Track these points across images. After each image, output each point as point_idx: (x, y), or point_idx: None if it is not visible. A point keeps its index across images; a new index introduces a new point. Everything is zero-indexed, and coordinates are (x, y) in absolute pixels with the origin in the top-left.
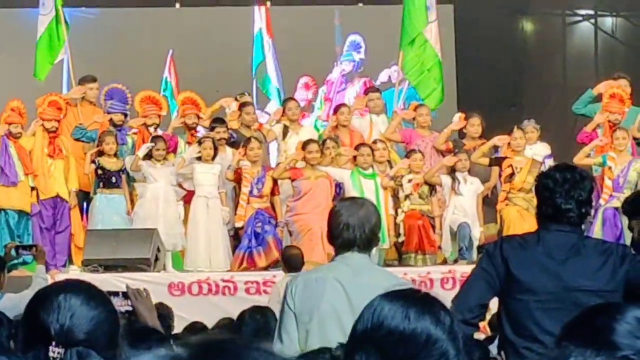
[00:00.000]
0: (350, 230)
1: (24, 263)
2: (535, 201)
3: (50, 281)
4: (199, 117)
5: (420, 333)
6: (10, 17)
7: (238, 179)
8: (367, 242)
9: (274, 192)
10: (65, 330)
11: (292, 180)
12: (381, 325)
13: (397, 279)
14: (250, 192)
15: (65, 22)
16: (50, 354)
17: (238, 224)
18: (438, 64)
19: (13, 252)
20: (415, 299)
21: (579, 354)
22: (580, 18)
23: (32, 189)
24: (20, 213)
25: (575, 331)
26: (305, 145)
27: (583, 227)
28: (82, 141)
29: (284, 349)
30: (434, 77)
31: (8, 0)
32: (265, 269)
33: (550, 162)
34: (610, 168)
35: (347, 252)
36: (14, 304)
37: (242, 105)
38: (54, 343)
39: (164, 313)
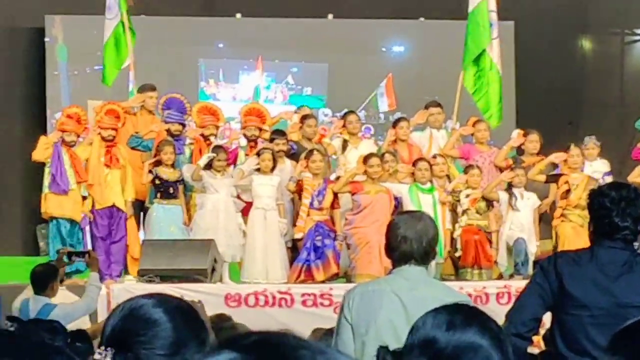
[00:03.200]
0: (407, 243)
1: (78, 271)
2: None
3: (104, 290)
4: (260, 130)
5: (466, 343)
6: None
7: (299, 190)
8: (424, 255)
9: (334, 205)
10: (116, 332)
11: (352, 194)
12: (428, 338)
13: (454, 293)
14: (311, 204)
15: (130, 28)
16: (96, 356)
17: (297, 236)
18: (499, 82)
19: (65, 258)
20: (459, 311)
21: None
22: (639, 37)
23: (84, 198)
24: (73, 222)
25: (627, 345)
26: (366, 159)
27: (636, 244)
28: (138, 150)
29: None
30: (495, 95)
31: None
32: (323, 282)
33: (608, 179)
34: None
35: (404, 265)
36: (66, 312)
37: (303, 118)
38: (103, 346)
39: (226, 324)
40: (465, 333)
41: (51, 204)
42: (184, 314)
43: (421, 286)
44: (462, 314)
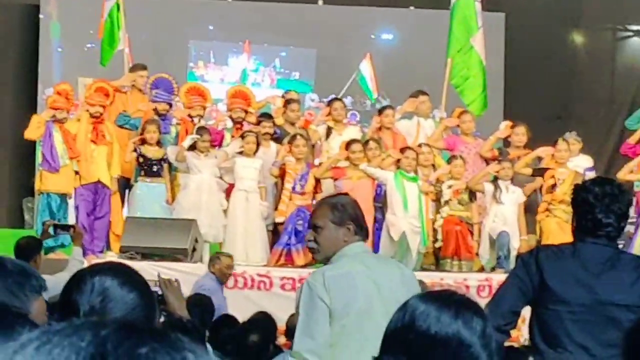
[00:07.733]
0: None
1: (62, 246)
2: None
3: (86, 265)
4: (246, 112)
5: (452, 337)
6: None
7: (281, 174)
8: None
9: (316, 190)
10: (95, 312)
11: (334, 180)
12: (412, 326)
13: (406, 269)
14: (293, 188)
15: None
16: None
17: (279, 219)
18: (482, 71)
19: (51, 230)
20: (451, 302)
21: None
22: (631, 33)
23: (77, 173)
24: (62, 197)
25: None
26: (348, 145)
27: (622, 242)
28: (125, 128)
29: (316, 347)
30: (479, 84)
31: None
32: (303, 266)
33: (591, 175)
34: None
35: (351, 245)
36: (49, 285)
37: (287, 102)
38: None
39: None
40: (467, 328)
41: (45, 181)
42: (144, 285)
43: (374, 262)
44: (469, 308)
